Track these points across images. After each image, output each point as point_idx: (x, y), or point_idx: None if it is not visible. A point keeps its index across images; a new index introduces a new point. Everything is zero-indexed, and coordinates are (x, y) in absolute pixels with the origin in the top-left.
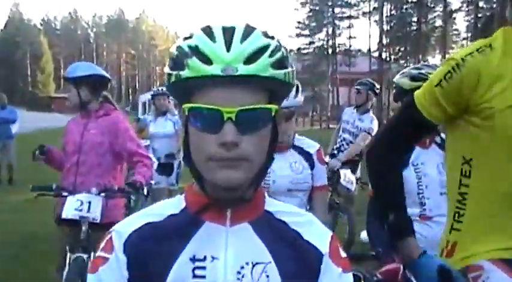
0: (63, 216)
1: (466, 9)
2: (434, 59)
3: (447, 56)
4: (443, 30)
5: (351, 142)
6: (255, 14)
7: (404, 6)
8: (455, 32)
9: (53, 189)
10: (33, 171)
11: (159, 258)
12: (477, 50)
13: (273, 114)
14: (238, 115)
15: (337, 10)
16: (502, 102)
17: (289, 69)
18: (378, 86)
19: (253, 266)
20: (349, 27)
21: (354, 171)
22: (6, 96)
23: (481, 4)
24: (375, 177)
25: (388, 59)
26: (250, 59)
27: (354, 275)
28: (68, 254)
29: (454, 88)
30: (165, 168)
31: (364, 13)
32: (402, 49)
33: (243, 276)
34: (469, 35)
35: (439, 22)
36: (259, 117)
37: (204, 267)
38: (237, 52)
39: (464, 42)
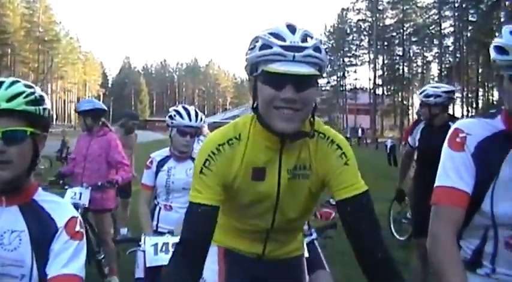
0: None
1: (437, 61)
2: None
3: None
4: (422, 75)
5: None
6: None
7: (394, 58)
8: (431, 77)
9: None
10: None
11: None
12: None
13: (317, 80)
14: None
15: (346, 59)
16: None
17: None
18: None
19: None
20: (354, 71)
21: None
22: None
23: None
24: None
25: (381, 94)
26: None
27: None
28: None
29: None
30: None
31: (363, 62)
32: (392, 88)
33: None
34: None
35: (419, 69)
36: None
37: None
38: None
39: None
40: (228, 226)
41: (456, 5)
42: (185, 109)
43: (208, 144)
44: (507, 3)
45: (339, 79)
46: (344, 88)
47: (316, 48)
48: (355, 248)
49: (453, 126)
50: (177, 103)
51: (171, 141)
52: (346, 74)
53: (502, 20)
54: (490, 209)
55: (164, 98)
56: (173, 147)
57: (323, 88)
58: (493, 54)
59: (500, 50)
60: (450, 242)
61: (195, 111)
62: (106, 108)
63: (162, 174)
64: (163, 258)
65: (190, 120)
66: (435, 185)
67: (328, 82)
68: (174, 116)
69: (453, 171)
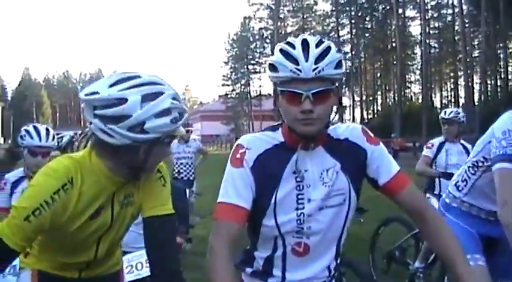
0: None
1: None
2: None
3: None
4: None
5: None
6: (196, 71)
7: None
8: None
9: None
10: None
11: None
12: None
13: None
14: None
15: (250, 67)
16: None
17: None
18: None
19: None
20: (259, 78)
21: None
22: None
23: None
24: None
25: None
26: None
27: None
28: None
29: None
30: None
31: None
32: None
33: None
34: None
35: None
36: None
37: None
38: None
39: None
40: (45, 258)
41: (352, 13)
42: (35, 129)
43: (41, 190)
44: (400, 10)
45: (243, 86)
46: (249, 95)
47: None
48: (152, 256)
49: (236, 142)
50: (81, 116)
51: (24, 162)
52: (250, 82)
53: (394, 26)
54: (274, 219)
55: (68, 111)
56: (26, 167)
57: (228, 96)
58: (268, 71)
59: (272, 67)
60: (225, 254)
61: (46, 130)
62: None
63: (17, 196)
64: (11, 280)
65: (40, 140)
66: (217, 200)
67: (234, 90)
68: (24, 136)
69: (232, 188)
